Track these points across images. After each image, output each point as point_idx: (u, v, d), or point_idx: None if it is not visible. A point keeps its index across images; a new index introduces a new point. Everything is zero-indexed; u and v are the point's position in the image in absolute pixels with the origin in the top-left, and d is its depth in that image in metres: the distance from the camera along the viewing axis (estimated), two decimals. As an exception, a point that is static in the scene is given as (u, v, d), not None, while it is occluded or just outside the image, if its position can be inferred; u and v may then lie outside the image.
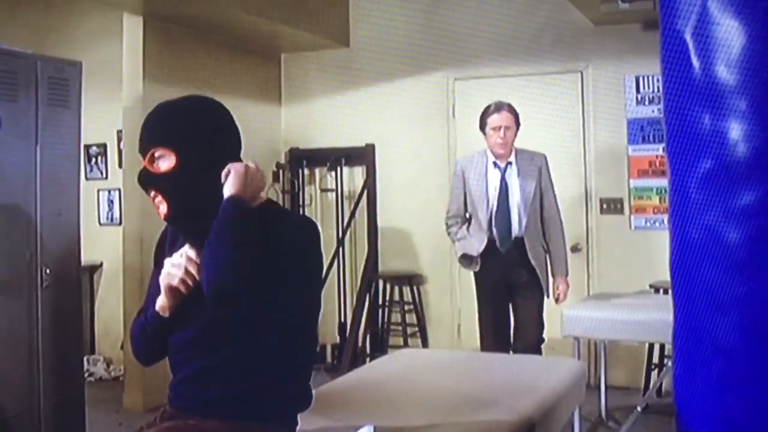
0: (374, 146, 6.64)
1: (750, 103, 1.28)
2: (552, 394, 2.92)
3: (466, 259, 4.71)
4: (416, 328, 6.43)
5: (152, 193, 2.07)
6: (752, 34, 1.29)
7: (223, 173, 2.04)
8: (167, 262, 2.08)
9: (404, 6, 6.54)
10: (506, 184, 4.62)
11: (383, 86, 6.63)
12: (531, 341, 4.57)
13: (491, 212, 4.61)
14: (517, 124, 4.62)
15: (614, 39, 5.91)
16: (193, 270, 2.02)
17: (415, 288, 6.44)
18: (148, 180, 2.07)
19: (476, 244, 4.64)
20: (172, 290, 2.05)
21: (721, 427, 1.30)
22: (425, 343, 6.41)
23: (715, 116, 1.30)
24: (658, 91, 5.85)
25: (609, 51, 5.95)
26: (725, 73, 1.30)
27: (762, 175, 1.26)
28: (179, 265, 2.04)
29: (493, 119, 4.59)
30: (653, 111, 5.83)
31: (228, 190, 2.01)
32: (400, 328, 6.40)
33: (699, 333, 1.33)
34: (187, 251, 2.05)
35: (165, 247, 2.19)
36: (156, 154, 2.05)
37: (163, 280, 2.07)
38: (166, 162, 2.05)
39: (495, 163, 4.67)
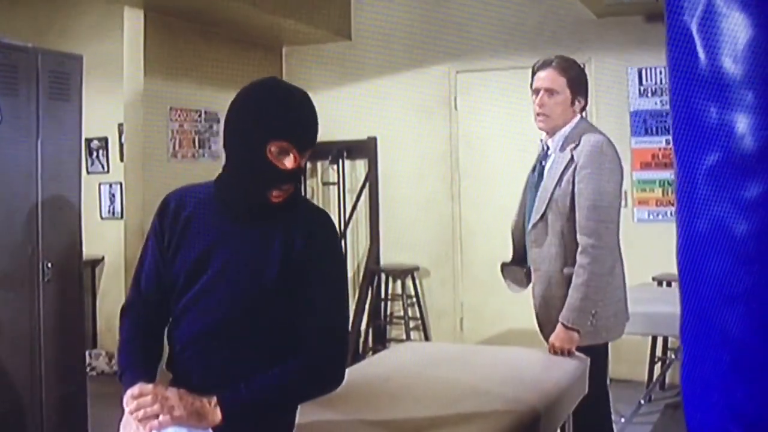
0: (376, 139, 6.64)
1: (757, 96, 1.28)
2: (556, 386, 2.91)
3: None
4: (418, 322, 6.44)
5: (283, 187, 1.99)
6: (759, 26, 1.28)
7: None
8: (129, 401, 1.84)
9: (406, -2, 6.53)
10: (540, 177, 3.24)
11: (385, 79, 6.63)
12: None
13: (518, 217, 3.40)
14: (574, 86, 3.22)
15: (617, 31, 5.89)
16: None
17: (417, 281, 6.45)
18: (297, 175, 2.01)
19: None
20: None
21: (728, 418, 1.30)
22: (427, 337, 6.42)
23: (721, 109, 1.30)
24: (661, 83, 5.84)
25: (612, 43, 5.94)
26: (732, 65, 1.30)
27: (769, 168, 1.26)
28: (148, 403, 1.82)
29: (534, 80, 3.30)
30: (656, 103, 5.82)
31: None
32: (402, 321, 6.40)
33: (706, 325, 1.32)
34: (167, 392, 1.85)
35: (167, 218, 2.11)
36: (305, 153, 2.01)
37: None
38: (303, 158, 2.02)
39: (543, 144, 3.31)
